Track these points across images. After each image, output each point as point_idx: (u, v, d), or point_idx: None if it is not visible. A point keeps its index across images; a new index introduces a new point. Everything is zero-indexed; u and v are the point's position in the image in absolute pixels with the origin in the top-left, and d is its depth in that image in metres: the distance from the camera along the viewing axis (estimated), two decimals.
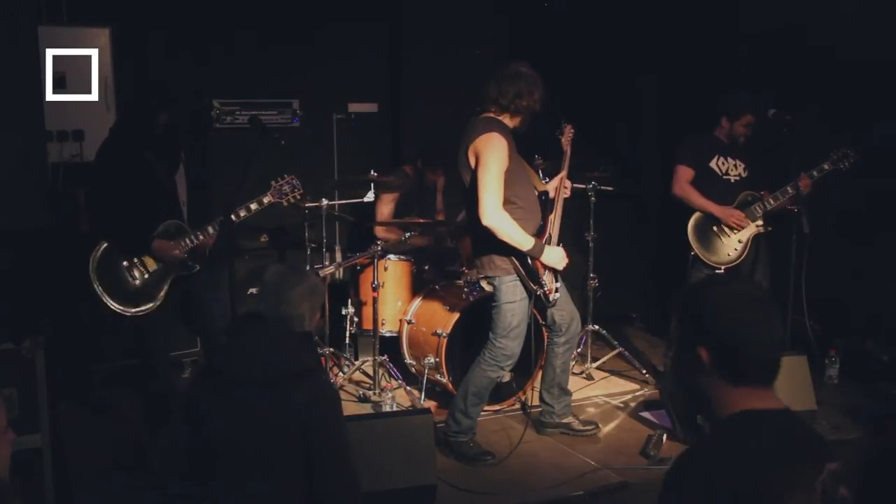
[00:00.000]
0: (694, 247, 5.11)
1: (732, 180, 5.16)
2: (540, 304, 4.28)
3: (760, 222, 5.10)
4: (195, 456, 2.51)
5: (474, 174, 4.04)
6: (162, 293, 4.16)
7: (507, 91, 4.06)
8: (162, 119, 4.13)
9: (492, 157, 3.96)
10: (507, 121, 4.11)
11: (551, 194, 4.32)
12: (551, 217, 4.25)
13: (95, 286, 4.07)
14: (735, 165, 5.18)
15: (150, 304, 4.14)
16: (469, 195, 4.11)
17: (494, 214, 3.95)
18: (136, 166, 4.11)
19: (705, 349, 1.79)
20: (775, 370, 1.82)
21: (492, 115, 4.11)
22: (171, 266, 4.18)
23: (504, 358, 4.22)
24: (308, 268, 5.08)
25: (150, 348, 4.27)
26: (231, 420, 2.41)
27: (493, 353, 4.22)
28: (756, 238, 5.14)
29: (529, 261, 4.09)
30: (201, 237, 4.20)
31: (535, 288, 4.14)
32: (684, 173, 5.16)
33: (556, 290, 4.27)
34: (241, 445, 2.40)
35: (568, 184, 4.43)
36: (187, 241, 4.18)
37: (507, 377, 4.85)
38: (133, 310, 4.11)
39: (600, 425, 4.68)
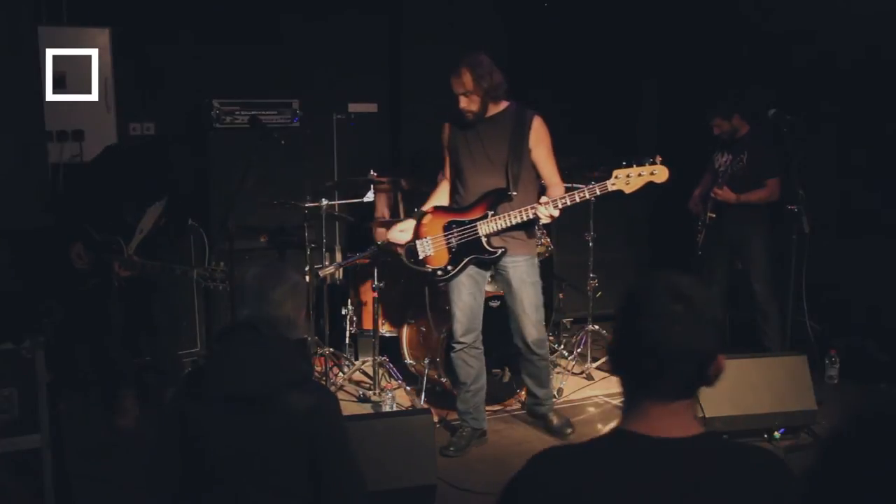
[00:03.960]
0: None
1: (720, 172, 5.46)
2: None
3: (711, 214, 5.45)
4: (188, 471, 2.43)
5: None
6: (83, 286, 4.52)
7: None
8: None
9: None
10: None
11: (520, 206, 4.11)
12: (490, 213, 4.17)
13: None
14: (726, 161, 5.41)
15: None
16: None
17: None
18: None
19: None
20: (667, 378, 1.52)
21: None
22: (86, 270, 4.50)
23: (455, 334, 4.34)
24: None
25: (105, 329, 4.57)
26: (230, 435, 2.35)
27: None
28: (724, 237, 5.36)
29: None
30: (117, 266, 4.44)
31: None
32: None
33: (444, 272, 4.22)
34: (242, 460, 2.35)
35: (545, 212, 4.01)
36: (94, 257, 4.46)
37: (506, 377, 4.85)
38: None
39: (599, 426, 4.69)
